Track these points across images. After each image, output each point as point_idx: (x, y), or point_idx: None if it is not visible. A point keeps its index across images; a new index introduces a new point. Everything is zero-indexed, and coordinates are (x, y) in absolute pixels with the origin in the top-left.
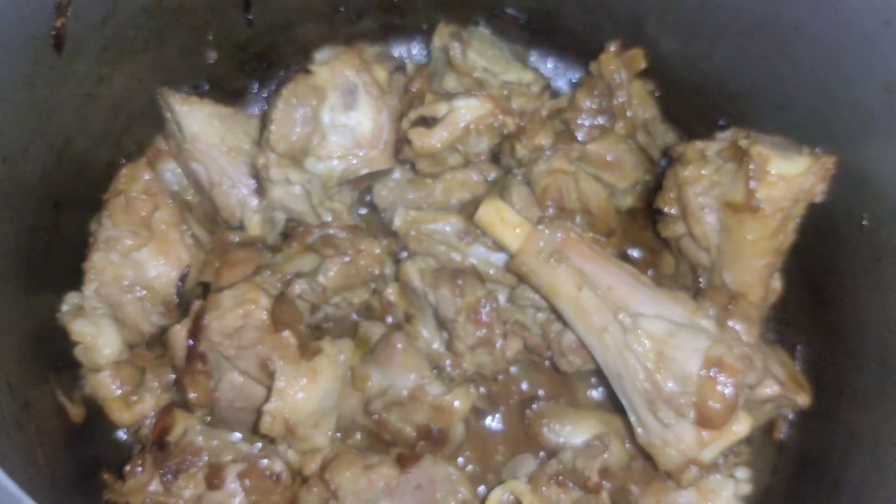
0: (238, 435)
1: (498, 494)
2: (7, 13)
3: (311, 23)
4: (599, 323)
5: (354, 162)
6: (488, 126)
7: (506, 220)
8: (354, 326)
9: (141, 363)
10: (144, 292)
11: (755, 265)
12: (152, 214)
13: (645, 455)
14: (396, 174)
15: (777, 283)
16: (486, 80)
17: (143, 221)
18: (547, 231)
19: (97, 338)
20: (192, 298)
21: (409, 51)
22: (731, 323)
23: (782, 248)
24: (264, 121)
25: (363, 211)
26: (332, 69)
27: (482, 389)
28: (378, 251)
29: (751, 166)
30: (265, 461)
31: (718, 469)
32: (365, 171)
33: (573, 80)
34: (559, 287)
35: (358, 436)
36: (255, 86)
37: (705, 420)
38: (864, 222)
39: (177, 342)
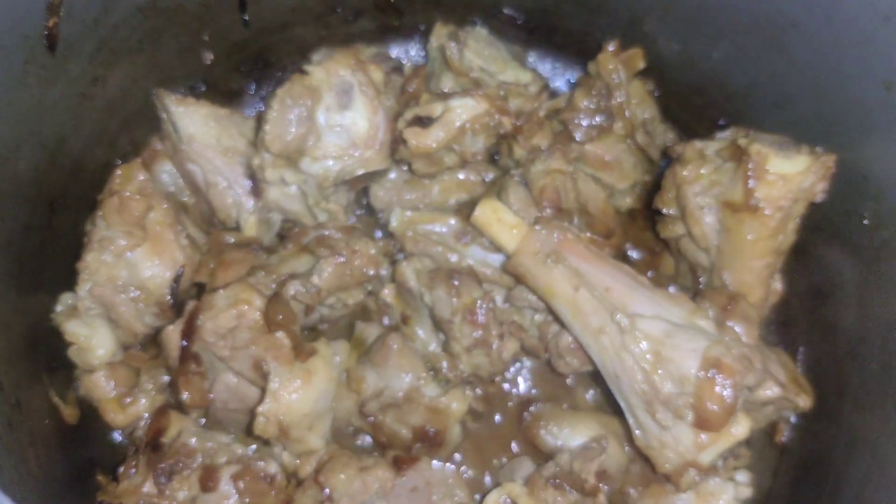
0: (233, 436)
1: (494, 497)
2: None
3: (307, 24)
4: (597, 324)
5: (350, 162)
6: (484, 126)
7: (502, 220)
8: (350, 328)
9: (135, 364)
10: (138, 293)
11: (755, 265)
12: (146, 215)
13: (643, 458)
14: (393, 175)
15: (778, 284)
16: (483, 81)
17: (136, 222)
18: (544, 231)
19: (91, 338)
20: (187, 299)
21: (407, 52)
22: (730, 324)
23: (782, 248)
24: (260, 121)
25: (360, 212)
26: (327, 69)
27: (479, 391)
28: (373, 251)
29: (750, 165)
30: (260, 463)
31: (718, 472)
32: (361, 172)
33: (571, 81)
34: (556, 288)
35: (353, 436)
36: (252, 87)
37: (703, 422)
38: (865, 221)
39: (170, 343)
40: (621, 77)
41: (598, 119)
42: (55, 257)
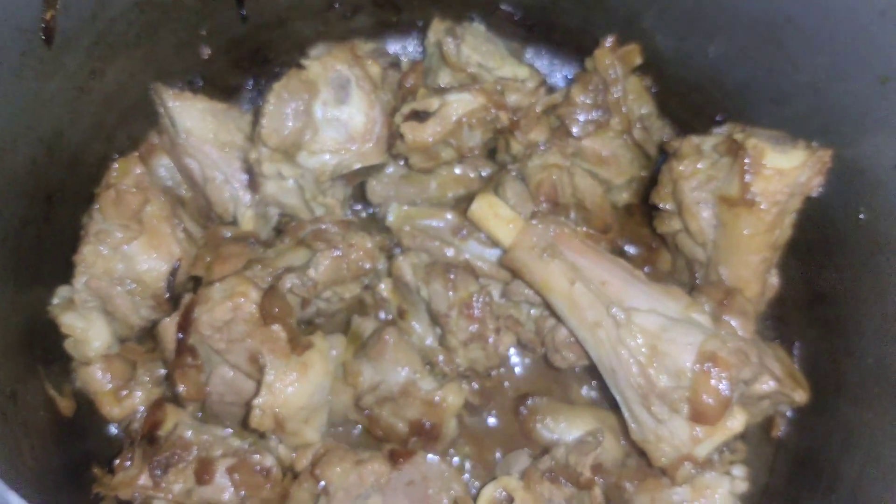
0: (229, 430)
1: (490, 491)
2: None
3: (305, 19)
4: (593, 318)
5: (347, 157)
6: (481, 120)
7: (499, 215)
8: (347, 322)
9: (131, 357)
10: (135, 286)
11: (751, 260)
12: (143, 208)
13: (639, 451)
14: (390, 169)
15: (774, 279)
16: (480, 76)
17: (133, 215)
18: (540, 226)
19: (87, 331)
20: (183, 292)
21: (405, 48)
22: (726, 318)
23: (779, 242)
24: (257, 115)
25: (356, 206)
26: (324, 64)
27: (475, 385)
28: (370, 245)
29: (746, 160)
30: (255, 456)
31: (714, 466)
32: (358, 166)
33: (568, 77)
34: (552, 282)
35: (349, 430)
36: (250, 83)
37: (699, 415)
38: (862, 216)
39: (167, 335)
40: (618, 73)
41: (595, 114)
42: (52, 250)
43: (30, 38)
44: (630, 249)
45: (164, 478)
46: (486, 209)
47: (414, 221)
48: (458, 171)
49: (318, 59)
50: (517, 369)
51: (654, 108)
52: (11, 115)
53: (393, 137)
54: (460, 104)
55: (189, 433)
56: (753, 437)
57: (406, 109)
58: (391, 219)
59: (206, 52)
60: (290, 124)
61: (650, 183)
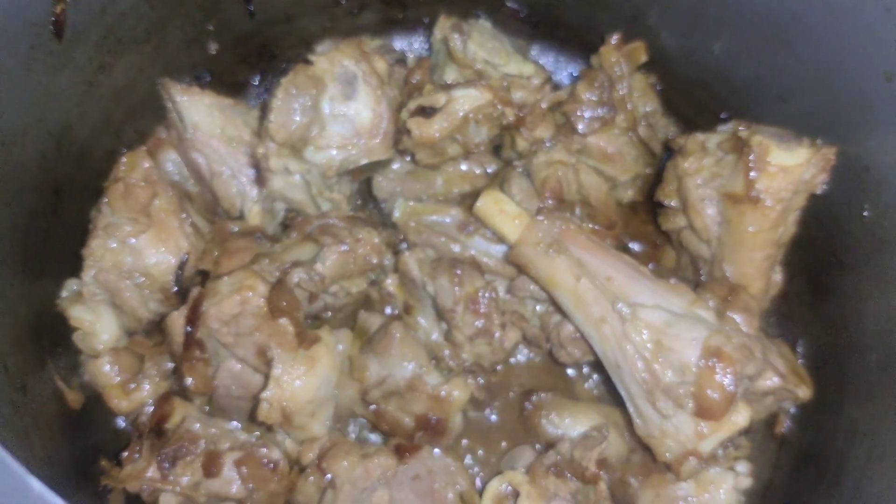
0: (236, 423)
1: (496, 485)
2: None
3: (312, 15)
4: (598, 313)
5: (354, 152)
6: (487, 116)
7: (505, 211)
8: (353, 317)
9: (139, 351)
10: (143, 279)
11: (756, 257)
12: (151, 202)
13: (644, 447)
14: (396, 165)
15: (778, 276)
16: (486, 73)
17: (142, 209)
18: (546, 222)
19: (95, 323)
20: (191, 286)
21: (411, 45)
22: (730, 314)
23: (783, 239)
24: (264, 111)
25: (359, 201)
26: (332, 59)
27: (481, 380)
28: (376, 240)
29: (751, 157)
30: (263, 449)
31: (718, 461)
32: (364, 161)
33: (574, 74)
34: (558, 278)
35: (355, 425)
36: (257, 79)
37: (704, 411)
38: (866, 213)
39: (175, 329)
40: (623, 70)
41: (600, 112)
42: (60, 243)
43: (40, 31)
44: (634, 246)
45: (172, 471)
46: (492, 205)
47: (420, 217)
48: (463, 167)
49: (325, 55)
50: (521, 365)
51: (659, 105)
52: (21, 108)
53: (399, 133)
54: (467, 100)
55: (197, 426)
56: (757, 434)
57: (413, 105)
58: (397, 214)
59: (213, 47)
60: (298, 119)
61: (655, 180)
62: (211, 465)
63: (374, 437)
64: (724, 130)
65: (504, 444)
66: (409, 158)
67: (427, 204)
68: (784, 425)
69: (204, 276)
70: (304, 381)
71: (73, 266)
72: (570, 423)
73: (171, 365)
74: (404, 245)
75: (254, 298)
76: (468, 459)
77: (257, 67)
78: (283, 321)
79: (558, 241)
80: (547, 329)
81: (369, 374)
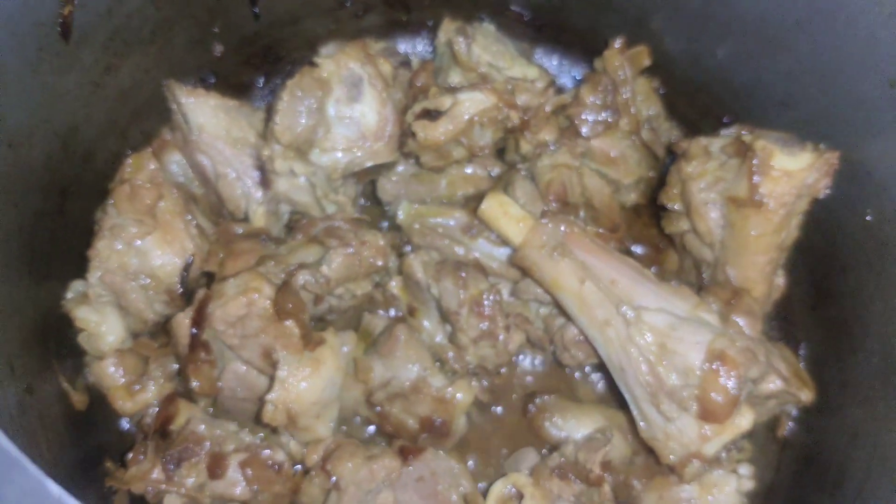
0: (240, 425)
1: (500, 487)
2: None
3: (317, 18)
4: (602, 316)
5: (359, 154)
6: (492, 119)
7: (509, 214)
8: (357, 319)
9: (144, 352)
10: (148, 280)
11: (758, 261)
12: (157, 203)
13: (647, 449)
14: (401, 168)
15: (780, 280)
16: (490, 76)
17: (147, 210)
18: (550, 225)
19: (101, 325)
20: (196, 288)
21: (414, 47)
22: (734, 318)
23: (785, 243)
24: (270, 113)
25: (363, 202)
26: (337, 62)
27: (485, 382)
28: (382, 243)
29: (754, 161)
30: (267, 451)
31: (721, 464)
32: (369, 164)
33: (577, 78)
34: (562, 281)
35: (359, 425)
36: (261, 80)
37: (708, 413)
38: (868, 218)
39: (180, 330)
40: (627, 74)
41: (604, 115)
42: (66, 245)
43: (47, 32)
44: (637, 249)
45: (177, 472)
46: (497, 208)
47: (424, 220)
48: (468, 170)
49: (331, 58)
50: (525, 367)
51: (662, 109)
52: (28, 108)
53: (404, 136)
54: (472, 103)
55: (202, 427)
56: (759, 437)
57: (418, 108)
58: (401, 217)
59: (218, 49)
60: (303, 122)
61: (658, 183)
62: (216, 467)
63: (371, 429)
64: (727, 135)
65: (507, 446)
66: (413, 161)
67: (431, 206)
68: (786, 428)
69: (209, 278)
70: (309, 383)
71: (79, 267)
72: (573, 426)
73: (175, 366)
74: (408, 247)
75: (259, 300)
76: (472, 461)
77: (262, 69)
78: (289, 323)
79: (562, 244)
80: (551, 332)
81: (374, 375)
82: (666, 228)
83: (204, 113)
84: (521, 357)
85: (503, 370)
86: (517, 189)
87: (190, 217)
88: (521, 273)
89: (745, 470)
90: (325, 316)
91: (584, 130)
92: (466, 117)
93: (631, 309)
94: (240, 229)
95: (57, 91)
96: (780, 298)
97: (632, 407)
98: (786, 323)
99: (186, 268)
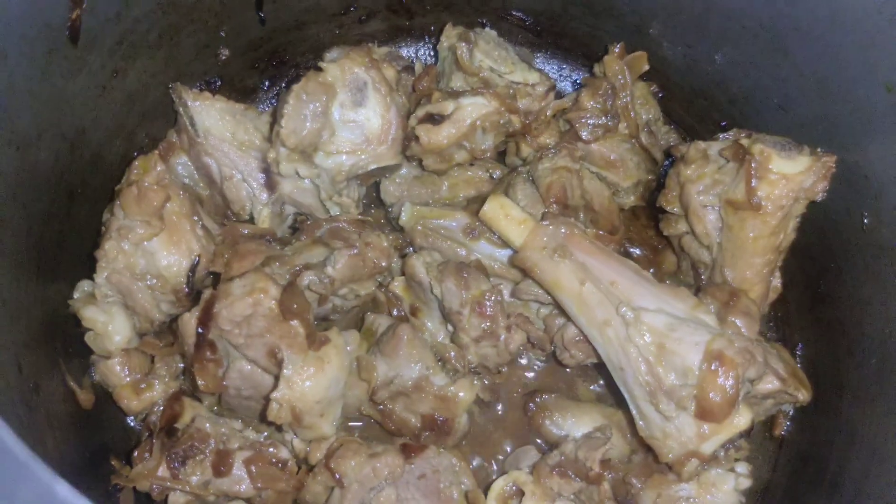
0: (245, 423)
1: (501, 485)
2: (24, 2)
3: (321, 23)
4: (602, 317)
5: (363, 157)
6: (494, 123)
7: (510, 216)
8: (360, 319)
9: (150, 351)
10: (155, 281)
11: (756, 262)
12: (164, 205)
13: (646, 448)
14: (404, 170)
15: (777, 282)
16: (492, 81)
17: (155, 212)
18: (551, 227)
19: (108, 325)
20: (202, 288)
21: (417, 52)
22: (731, 318)
23: (782, 246)
24: (275, 116)
25: (370, 206)
26: (342, 66)
27: (486, 381)
28: (386, 244)
29: (752, 164)
30: (271, 449)
31: (719, 463)
32: (373, 167)
33: (577, 83)
34: (562, 281)
35: (362, 424)
36: (266, 84)
37: (706, 413)
38: (865, 221)
39: (187, 330)
40: (626, 79)
41: (603, 119)
42: (74, 245)
43: (56, 36)
44: (635, 251)
45: (182, 470)
46: (498, 210)
47: (426, 221)
48: (469, 172)
49: (336, 62)
50: (526, 367)
51: (660, 113)
52: (37, 111)
53: (408, 139)
54: (475, 108)
55: (207, 426)
56: (756, 435)
57: (421, 112)
58: (404, 218)
59: (224, 53)
60: (309, 125)
61: (656, 186)
62: (220, 465)
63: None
64: (725, 138)
65: (508, 444)
66: (416, 164)
67: (433, 208)
68: (782, 427)
69: (215, 279)
70: (313, 382)
71: (87, 268)
72: (573, 424)
73: (181, 365)
74: (411, 248)
75: (265, 300)
76: (473, 459)
77: (267, 73)
78: (294, 323)
79: (563, 246)
80: (551, 331)
81: (377, 374)
82: (664, 230)
83: (210, 116)
84: (521, 356)
85: (504, 369)
86: (518, 191)
87: (196, 218)
88: (521, 274)
89: (743, 468)
90: (329, 316)
91: (584, 134)
92: (469, 121)
93: (630, 309)
94: (245, 230)
95: (65, 94)
96: (778, 300)
97: (631, 406)
98: (783, 324)
99: (192, 268)
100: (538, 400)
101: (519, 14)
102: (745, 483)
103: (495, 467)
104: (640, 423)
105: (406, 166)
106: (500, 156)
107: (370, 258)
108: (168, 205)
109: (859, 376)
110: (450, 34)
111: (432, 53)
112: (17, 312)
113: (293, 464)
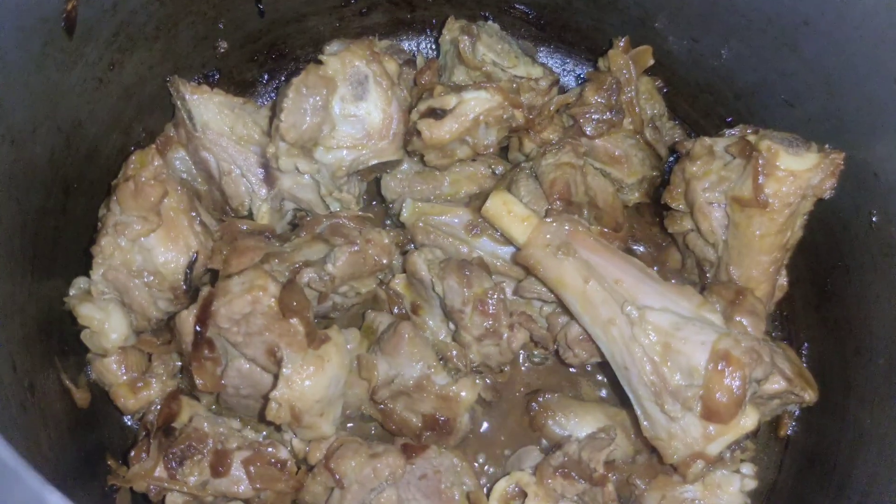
0: (243, 423)
1: (503, 486)
2: None
3: (321, 15)
4: (606, 315)
5: (364, 152)
6: (497, 118)
7: (513, 212)
8: (360, 317)
9: (147, 350)
10: (152, 278)
11: (762, 261)
12: (161, 200)
13: (650, 448)
14: (405, 166)
15: (784, 280)
16: (495, 75)
17: (152, 207)
18: (554, 224)
19: (104, 322)
20: (200, 285)
21: (418, 46)
22: (737, 317)
23: (789, 244)
24: (274, 110)
25: (371, 201)
26: (343, 60)
27: (488, 380)
28: (386, 241)
29: (760, 161)
30: (270, 449)
31: (724, 464)
32: (374, 162)
33: (580, 77)
34: (566, 279)
35: (363, 423)
36: (265, 77)
37: (712, 413)
38: (874, 219)
39: (185, 328)
40: (631, 73)
41: (607, 114)
42: (69, 241)
43: (52, 28)
44: (639, 248)
45: (180, 470)
46: (501, 207)
47: (428, 218)
48: (471, 168)
49: (336, 55)
50: (528, 365)
51: (665, 108)
52: (32, 104)
53: (409, 134)
54: (477, 102)
55: (205, 425)
56: (762, 436)
57: (423, 107)
58: (405, 215)
59: (223, 45)
60: (308, 119)
61: (660, 183)
62: (219, 465)
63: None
64: (731, 134)
65: (511, 444)
66: (417, 159)
67: (435, 204)
68: (788, 428)
69: (213, 275)
70: (313, 381)
71: (83, 264)
72: (576, 424)
73: (179, 364)
74: (412, 245)
75: (264, 298)
76: (475, 459)
77: (266, 66)
78: (294, 321)
79: (567, 243)
80: (554, 330)
81: (378, 373)
82: (669, 228)
83: (208, 110)
84: (524, 355)
85: (506, 368)
86: (521, 188)
87: (194, 214)
88: (524, 271)
89: (748, 469)
90: (329, 314)
91: (588, 129)
92: (471, 116)
93: (635, 308)
94: (244, 226)
95: (61, 87)
96: (784, 298)
97: (635, 406)
98: (789, 323)
99: (190, 265)
100: (541, 399)
101: (522, 7)
102: (751, 484)
103: (498, 468)
104: (644, 423)
105: (407, 162)
106: (503, 151)
107: (371, 255)
108: (165, 200)
109: (866, 376)
110: (452, 27)
111: (434, 47)
112: (11, 310)
113: (292, 464)
